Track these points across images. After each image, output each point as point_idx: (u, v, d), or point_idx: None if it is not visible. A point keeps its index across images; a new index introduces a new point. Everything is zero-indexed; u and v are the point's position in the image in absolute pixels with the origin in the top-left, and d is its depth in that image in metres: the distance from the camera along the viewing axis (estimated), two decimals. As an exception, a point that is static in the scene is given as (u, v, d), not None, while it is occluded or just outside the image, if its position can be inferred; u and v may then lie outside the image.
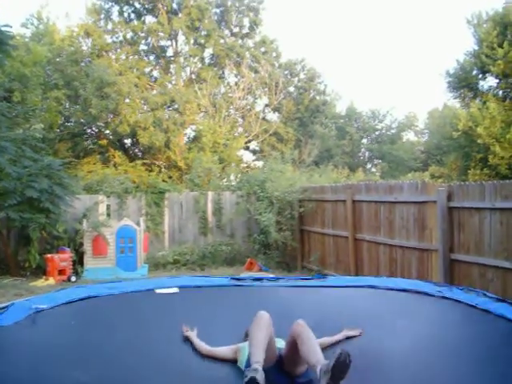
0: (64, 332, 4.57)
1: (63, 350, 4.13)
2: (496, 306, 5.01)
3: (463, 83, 17.42)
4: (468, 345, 4.21)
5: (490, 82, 17.23)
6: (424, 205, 8.06)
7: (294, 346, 3.60)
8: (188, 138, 21.52)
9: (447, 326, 4.82)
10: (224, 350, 3.96)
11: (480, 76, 17.16)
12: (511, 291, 6.37)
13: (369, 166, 28.02)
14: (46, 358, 3.95)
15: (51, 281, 10.59)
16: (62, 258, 11.00)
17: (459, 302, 5.33)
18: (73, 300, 5.31)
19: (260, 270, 11.26)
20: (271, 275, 8.33)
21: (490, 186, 6.92)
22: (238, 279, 6.60)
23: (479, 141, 14.74)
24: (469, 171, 15.43)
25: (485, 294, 5.45)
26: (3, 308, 4.99)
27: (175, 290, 5.68)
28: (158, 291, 5.63)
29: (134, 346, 4.30)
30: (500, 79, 15.92)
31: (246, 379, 3.27)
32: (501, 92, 16.37)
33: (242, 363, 3.83)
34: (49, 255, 11.00)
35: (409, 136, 29.56)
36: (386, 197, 8.99)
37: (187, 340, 4.05)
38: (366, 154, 28.58)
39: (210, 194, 13.65)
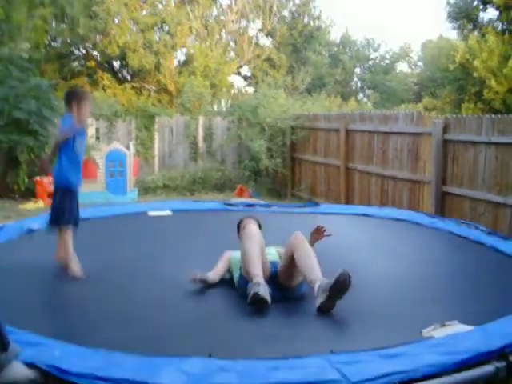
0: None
1: (55, 269, 4.13)
2: (487, 239, 5.07)
3: (463, 14, 16.97)
4: (459, 273, 4.27)
5: (491, 13, 16.79)
6: (419, 136, 7.99)
7: (291, 258, 3.58)
8: (179, 61, 20.98)
9: (439, 255, 4.88)
10: (222, 266, 3.97)
11: (481, 7, 16.70)
12: (501, 225, 6.42)
13: (361, 95, 27.66)
14: (37, 277, 3.95)
15: (40, 204, 10.52)
16: (52, 181, 10.89)
17: (451, 233, 5.38)
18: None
19: (250, 197, 11.27)
20: (262, 202, 8.34)
21: (487, 119, 6.84)
22: (231, 204, 6.59)
23: (475, 74, 14.51)
24: (462, 105, 15.29)
25: (477, 227, 5.50)
26: (-5, 229, 4.96)
27: (168, 212, 5.67)
28: (151, 214, 5.62)
29: (127, 267, 4.32)
30: (501, 11, 15.50)
31: (249, 295, 3.25)
32: (500, 25, 15.98)
33: (233, 269, 3.87)
34: (38, 178, 10.88)
35: (402, 67, 29.11)
36: (380, 127, 8.89)
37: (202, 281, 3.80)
38: (359, 83, 28.14)
39: (201, 119, 13.46)
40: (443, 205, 7.48)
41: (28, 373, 2.32)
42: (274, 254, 3.94)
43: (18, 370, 2.33)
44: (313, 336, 3.02)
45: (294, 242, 3.63)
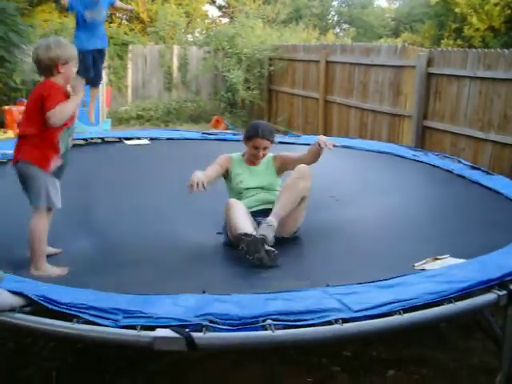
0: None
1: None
2: (471, 173, 5.04)
3: None
4: (445, 208, 4.24)
5: None
6: (401, 69, 7.85)
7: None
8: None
9: (424, 189, 4.85)
10: (214, 171, 3.84)
11: None
12: (481, 161, 6.40)
13: (337, 30, 27.21)
14: (14, 207, 3.78)
15: (10, 134, 10.14)
16: (21, 111, 10.49)
17: (434, 166, 5.34)
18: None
19: (226, 128, 11.08)
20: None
21: (473, 53, 6.71)
22: (210, 134, 6.44)
23: (456, 10, 14.26)
24: (442, 41, 15.09)
25: (460, 161, 5.46)
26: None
27: (146, 141, 5.48)
28: (128, 143, 5.42)
29: (105, 196, 4.19)
30: None
31: (255, 257, 3.17)
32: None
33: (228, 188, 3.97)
34: (6, 107, 10.46)
35: (380, 2, 28.65)
36: (361, 59, 8.71)
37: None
38: (335, 17, 27.65)
39: (176, 49, 13.05)
40: (423, 139, 7.44)
41: (12, 300, 2.21)
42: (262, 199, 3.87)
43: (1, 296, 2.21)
44: (307, 273, 2.98)
45: (299, 168, 3.74)
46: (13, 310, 2.16)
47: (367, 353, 3.32)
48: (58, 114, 3.02)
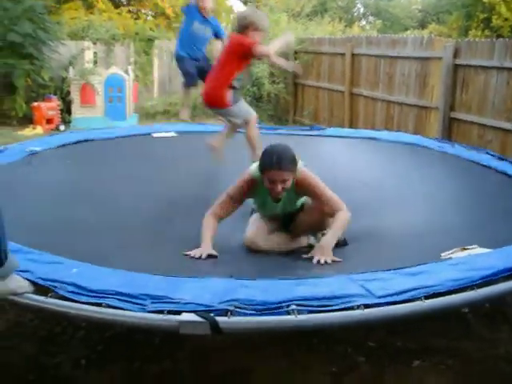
0: (60, 172, 4.47)
1: (59, 189, 4.06)
2: (498, 164, 4.99)
3: None
4: (473, 198, 4.21)
5: None
6: (428, 61, 7.79)
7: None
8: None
9: (448, 178, 4.81)
10: (225, 211, 3.45)
11: None
12: (509, 153, 6.33)
13: (363, 22, 27.00)
14: (40, 197, 3.87)
15: (39, 130, 10.35)
16: (50, 107, 10.68)
17: (461, 157, 5.30)
18: (68, 143, 5.17)
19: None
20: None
21: (500, 43, 6.64)
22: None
23: (484, 0, 14.06)
24: (469, 32, 14.88)
25: (487, 153, 5.41)
26: (-4, 151, 4.85)
27: (172, 134, 5.55)
28: (155, 135, 5.50)
29: (131, 188, 4.25)
30: None
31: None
32: None
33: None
34: (35, 104, 10.63)
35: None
36: (387, 51, 8.67)
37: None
38: (361, 9, 27.43)
39: (202, 44, 13.09)
40: (450, 131, 7.38)
41: (25, 286, 2.29)
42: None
43: (15, 282, 2.29)
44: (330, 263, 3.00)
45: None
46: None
47: (392, 343, 3.32)
48: (262, 47, 4.45)
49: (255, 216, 3.60)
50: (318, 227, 3.49)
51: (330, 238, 3.20)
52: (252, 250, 3.32)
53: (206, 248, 3.14)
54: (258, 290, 2.24)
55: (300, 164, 3.35)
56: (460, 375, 3.06)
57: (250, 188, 3.38)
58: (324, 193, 3.33)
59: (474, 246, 2.87)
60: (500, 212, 3.81)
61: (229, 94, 4.68)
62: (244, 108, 4.89)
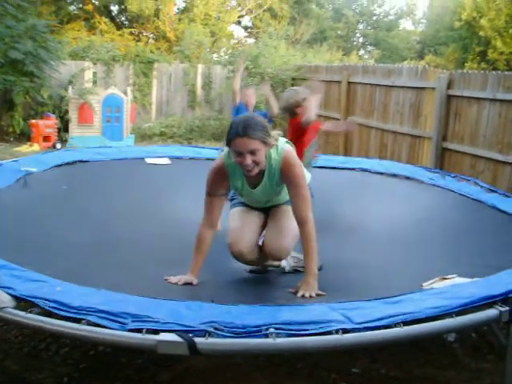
0: (55, 195, 4.49)
1: (54, 213, 4.07)
2: (488, 197, 5.02)
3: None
4: (458, 230, 4.23)
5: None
6: (422, 91, 7.88)
7: None
8: (178, 8, 20.54)
9: (436, 210, 4.84)
10: (212, 218, 3.14)
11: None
12: (500, 184, 6.36)
13: (362, 52, 27.31)
14: (37, 220, 3.89)
15: (36, 147, 10.41)
16: (47, 125, 10.76)
17: (450, 190, 5.32)
18: (62, 163, 5.20)
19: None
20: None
21: (493, 76, 6.72)
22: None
23: (481, 33, 14.29)
24: (466, 64, 15.12)
25: (476, 183, 5.44)
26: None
27: (166, 160, 5.55)
28: (148, 161, 5.49)
29: (124, 212, 4.27)
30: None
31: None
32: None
33: None
34: (33, 121, 10.73)
35: (406, 25, 28.69)
36: (383, 80, 8.76)
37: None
38: (361, 39, 27.76)
39: (200, 67, 13.25)
40: (443, 161, 7.43)
41: (6, 300, 2.30)
42: None
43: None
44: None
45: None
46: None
47: (376, 370, 3.32)
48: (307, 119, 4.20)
49: (235, 210, 3.34)
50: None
51: (313, 271, 2.95)
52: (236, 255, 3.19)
53: (188, 275, 3.02)
54: (239, 313, 2.26)
55: (281, 141, 3.02)
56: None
57: (221, 172, 3.01)
58: (302, 190, 2.97)
59: (453, 276, 2.90)
60: (484, 243, 3.85)
61: None
62: None
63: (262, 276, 3.36)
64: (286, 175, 2.97)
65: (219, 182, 3.04)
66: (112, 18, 19.69)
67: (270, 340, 2.05)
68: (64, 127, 11.38)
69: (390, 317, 2.21)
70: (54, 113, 11.38)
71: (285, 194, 3.16)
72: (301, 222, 2.98)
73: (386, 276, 3.29)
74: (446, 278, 2.92)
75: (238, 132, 2.75)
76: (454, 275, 2.92)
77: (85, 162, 5.33)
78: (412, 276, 3.20)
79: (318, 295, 2.85)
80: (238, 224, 3.24)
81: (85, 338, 2.13)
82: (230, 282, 3.29)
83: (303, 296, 2.84)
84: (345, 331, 2.10)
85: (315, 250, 2.96)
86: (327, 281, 3.19)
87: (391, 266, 3.47)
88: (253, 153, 2.78)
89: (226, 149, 2.99)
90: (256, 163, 2.82)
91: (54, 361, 3.24)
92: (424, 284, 2.87)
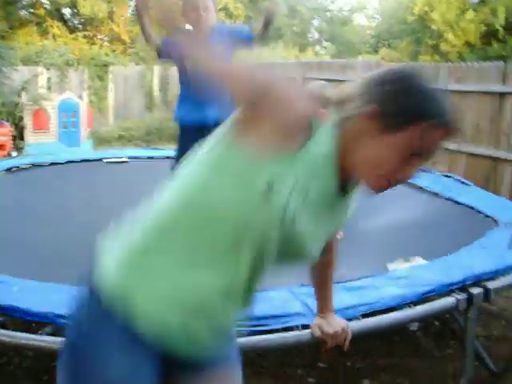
0: (5, 199, 4.38)
1: (6, 216, 3.97)
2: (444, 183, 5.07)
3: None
4: (412, 215, 4.26)
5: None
6: (377, 85, 7.98)
7: None
8: (133, 10, 20.35)
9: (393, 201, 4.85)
10: None
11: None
12: (456, 172, 6.48)
13: (317, 48, 27.52)
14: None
15: (-11, 152, 10.16)
16: (1, 133, 10.48)
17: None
18: (15, 166, 5.09)
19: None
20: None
21: (444, 68, 6.86)
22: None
23: (433, 27, 14.52)
24: (420, 56, 15.34)
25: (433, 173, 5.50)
26: None
27: (124, 159, 5.51)
28: (106, 161, 5.46)
29: (80, 214, 4.20)
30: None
31: None
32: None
33: None
34: (-16, 126, 10.46)
35: (359, 20, 29.01)
36: (338, 75, 8.84)
37: None
38: (316, 35, 27.98)
39: (157, 69, 13.16)
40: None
41: None
42: None
43: None
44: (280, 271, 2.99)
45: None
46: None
47: (343, 363, 3.35)
48: None
49: None
50: None
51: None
52: None
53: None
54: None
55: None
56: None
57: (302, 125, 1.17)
58: None
59: (417, 257, 2.95)
60: (441, 227, 3.89)
61: None
62: None
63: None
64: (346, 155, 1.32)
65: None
66: (65, 22, 19.37)
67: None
68: (19, 135, 11.14)
69: (351, 307, 2.21)
70: (7, 120, 11.12)
71: None
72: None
73: (350, 258, 3.27)
74: (409, 260, 2.97)
75: None
76: (418, 257, 2.97)
77: (39, 165, 5.23)
78: (376, 258, 3.21)
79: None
80: None
81: (42, 348, 2.07)
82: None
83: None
84: (304, 327, 2.09)
85: None
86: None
87: (355, 250, 3.45)
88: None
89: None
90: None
91: (15, 375, 3.17)
92: (388, 265, 2.91)
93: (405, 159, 1.20)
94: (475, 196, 4.48)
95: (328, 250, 1.62)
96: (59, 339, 2.07)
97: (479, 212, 4.04)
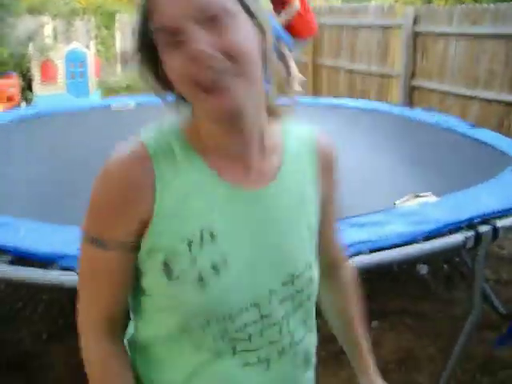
0: (15, 147, 4.37)
1: (16, 164, 3.96)
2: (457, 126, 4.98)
3: None
4: (432, 156, 4.18)
5: None
6: (389, 29, 7.80)
7: None
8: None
9: (406, 138, 4.78)
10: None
11: None
12: (468, 118, 6.39)
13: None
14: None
15: (-1, 107, 10.13)
16: (10, 84, 10.44)
17: (419, 120, 5.27)
18: (24, 116, 5.07)
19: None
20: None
21: (458, 10, 6.67)
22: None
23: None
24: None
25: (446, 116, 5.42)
26: None
27: (131, 105, 5.45)
28: (113, 108, 5.42)
29: (88, 160, 4.18)
30: None
31: None
32: None
33: None
34: (-6, 81, 10.41)
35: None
36: (349, 20, 8.64)
37: None
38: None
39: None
40: (412, 98, 7.43)
41: None
42: None
43: None
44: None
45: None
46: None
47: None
48: None
49: None
50: None
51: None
52: None
53: None
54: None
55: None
56: (418, 335, 3.13)
57: (137, 171, 0.97)
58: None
59: (427, 194, 2.88)
60: (453, 165, 3.81)
61: None
62: None
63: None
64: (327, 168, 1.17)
65: (127, 206, 0.98)
66: (69, -30, 19.01)
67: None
68: (27, 86, 11.07)
69: (357, 243, 2.19)
70: (15, 71, 11.04)
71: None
72: (339, 261, 1.34)
73: (358, 194, 3.22)
74: (420, 196, 2.90)
75: None
76: (429, 193, 2.91)
77: (47, 114, 5.20)
78: (387, 193, 3.13)
79: None
80: None
81: (52, 285, 2.08)
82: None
83: None
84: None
85: None
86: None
87: (362, 186, 3.39)
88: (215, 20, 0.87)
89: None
90: (230, 57, 0.87)
91: (31, 319, 3.23)
92: (397, 202, 2.85)
93: (168, 51, 0.90)
94: (489, 136, 4.40)
95: (335, 276, 1.28)
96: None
97: (494, 149, 3.96)
